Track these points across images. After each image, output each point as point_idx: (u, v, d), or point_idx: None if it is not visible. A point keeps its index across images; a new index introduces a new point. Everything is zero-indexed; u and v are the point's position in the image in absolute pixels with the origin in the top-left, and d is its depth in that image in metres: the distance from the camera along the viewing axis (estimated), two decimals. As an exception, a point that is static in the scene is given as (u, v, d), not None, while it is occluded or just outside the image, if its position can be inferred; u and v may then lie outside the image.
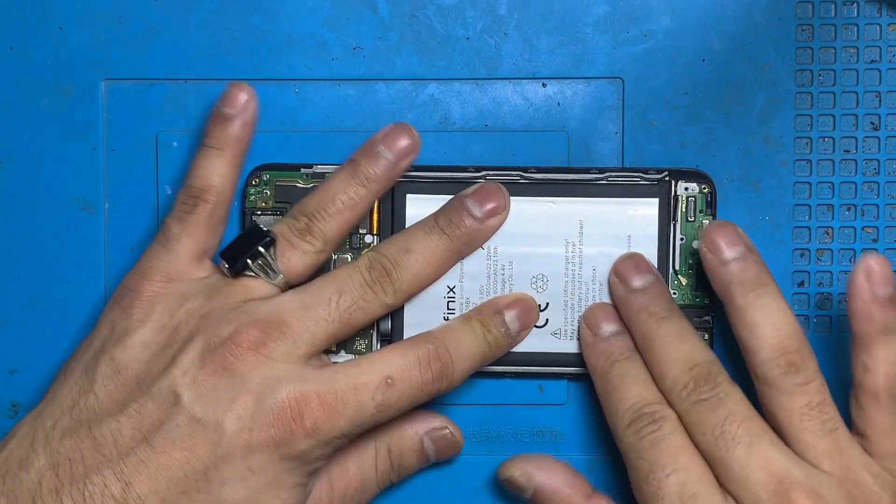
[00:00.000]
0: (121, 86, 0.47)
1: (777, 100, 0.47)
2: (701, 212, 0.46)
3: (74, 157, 0.47)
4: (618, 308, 0.45)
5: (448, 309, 0.46)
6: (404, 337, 0.46)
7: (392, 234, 0.46)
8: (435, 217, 0.45)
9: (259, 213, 0.46)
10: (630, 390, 0.43)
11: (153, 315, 0.43)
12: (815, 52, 0.47)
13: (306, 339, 0.42)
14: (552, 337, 0.46)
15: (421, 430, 0.46)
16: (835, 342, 0.47)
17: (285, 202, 0.46)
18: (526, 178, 0.46)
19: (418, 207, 0.46)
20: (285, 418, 0.41)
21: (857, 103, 0.47)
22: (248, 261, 0.43)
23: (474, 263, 0.46)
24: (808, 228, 0.47)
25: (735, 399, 0.41)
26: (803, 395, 0.41)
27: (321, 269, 0.45)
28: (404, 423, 0.45)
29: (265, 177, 0.46)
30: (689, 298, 0.46)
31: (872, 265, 0.41)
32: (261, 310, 0.42)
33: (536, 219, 0.46)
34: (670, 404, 0.42)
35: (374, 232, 0.46)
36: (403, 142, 0.45)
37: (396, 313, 0.46)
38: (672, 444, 0.41)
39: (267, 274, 0.43)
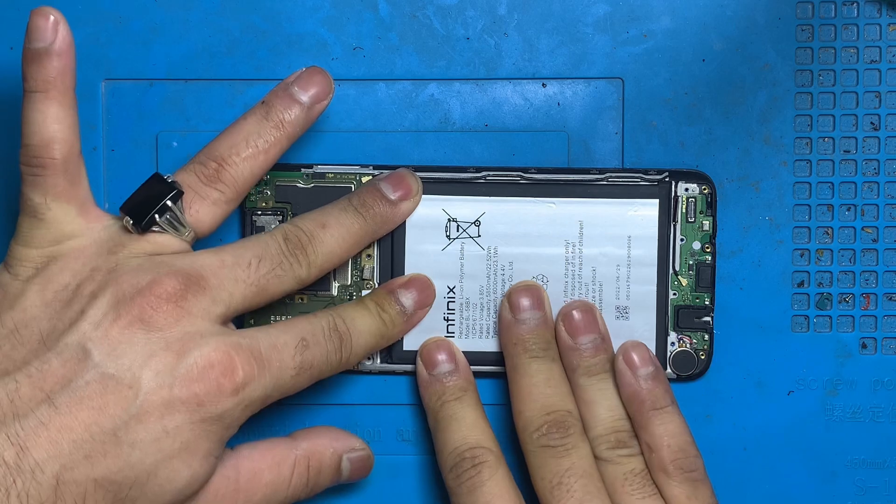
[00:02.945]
0: (121, 86, 0.47)
1: (777, 100, 0.47)
2: (701, 212, 0.46)
3: (74, 158, 0.47)
4: (501, 332, 0.46)
5: (448, 309, 0.46)
6: (404, 338, 0.46)
7: (392, 234, 0.46)
8: (349, 198, 0.44)
9: (259, 213, 0.46)
10: (455, 433, 0.44)
11: (50, 274, 0.40)
12: (815, 52, 0.47)
13: (224, 299, 0.40)
14: (552, 337, 0.46)
15: (342, 449, 0.45)
16: (834, 342, 0.47)
17: (285, 202, 0.46)
18: (526, 179, 0.46)
19: (418, 208, 0.46)
20: (212, 374, 0.39)
21: (857, 103, 0.47)
22: (156, 216, 0.41)
23: (474, 263, 0.46)
24: (808, 228, 0.47)
25: (581, 454, 0.43)
26: (627, 465, 0.43)
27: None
28: (327, 440, 0.44)
29: (265, 177, 0.46)
30: (689, 299, 0.46)
31: (629, 348, 0.44)
32: (178, 263, 0.40)
33: (536, 219, 0.46)
34: (520, 437, 0.44)
35: (375, 232, 0.46)
36: (318, 85, 0.44)
37: (396, 313, 0.46)
38: (488, 492, 0.43)
39: (175, 228, 0.41)
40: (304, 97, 0.44)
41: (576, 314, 0.45)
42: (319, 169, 0.46)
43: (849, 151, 0.47)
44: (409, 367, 0.47)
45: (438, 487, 0.47)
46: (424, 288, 0.46)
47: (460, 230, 0.46)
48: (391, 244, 0.46)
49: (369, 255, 0.46)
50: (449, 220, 0.46)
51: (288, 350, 0.41)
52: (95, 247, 0.41)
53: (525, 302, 0.45)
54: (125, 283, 0.39)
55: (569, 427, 0.43)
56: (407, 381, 0.47)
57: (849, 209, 0.47)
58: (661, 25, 0.47)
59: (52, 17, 0.41)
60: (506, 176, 0.46)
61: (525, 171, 0.46)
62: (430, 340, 0.46)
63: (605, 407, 0.44)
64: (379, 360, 0.47)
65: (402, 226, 0.46)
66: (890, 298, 0.47)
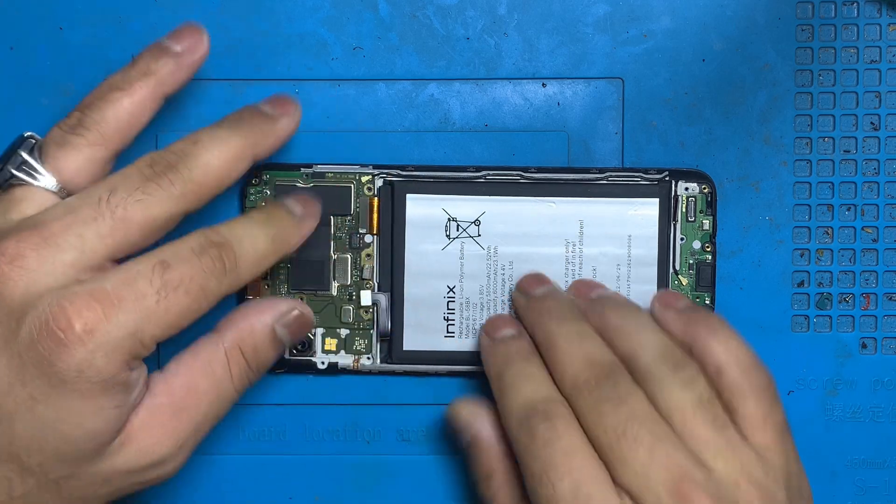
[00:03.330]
0: (121, 86, 0.47)
1: (777, 100, 0.47)
2: (701, 212, 0.46)
3: (74, 157, 0.47)
4: (521, 319, 0.45)
5: (448, 309, 0.46)
6: (404, 338, 0.46)
7: (392, 234, 0.46)
8: (225, 117, 0.42)
9: (259, 212, 0.46)
10: (524, 387, 0.42)
11: None
12: (815, 52, 0.47)
13: (73, 243, 0.38)
14: (552, 337, 0.46)
15: (269, 320, 0.42)
16: (834, 342, 0.47)
17: (285, 202, 0.46)
18: (526, 178, 0.46)
19: (418, 207, 0.46)
20: (50, 330, 0.37)
21: (857, 103, 0.47)
22: (10, 168, 0.40)
23: (474, 263, 0.46)
24: (808, 228, 0.47)
25: (637, 398, 0.40)
26: (694, 390, 0.40)
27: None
28: (250, 316, 0.42)
29: (265, 176, 0.46)
30: (690, 298, 0.46)
31: (661, 293, 0.44)
32: (25, 222, 0.38)
33: (536, 219, 0.46)
34: (570, 402, 0.41)
35: (374, 232, 0.46)
36: (190, 36, 0.42)
37: (396, 313, 0.46)
38: (566, 445, 0.40)
39: (33, 177, 0.40)
40: (176, 46, 0.42)
41: (576, 282, 0.45)
42: (319, 168, 0.46)
43: (849, 151, 0.47)
44: (409, 367, 0.47)
45: (438, 487, 0.47)
46: (308, 198, 0.43)
47: (460, 230, 0.46)
48: (391, 244, 0.46)
49: (369, 255, 0.46)
50: (449, 219, 0.46)
51: (142, 277, 0.38)
52: None
53: (535, 281, 0.45)
54: None
55: (618, 375, 0.41)
56: (407, 382, 0.47)
57: (849, 209, 0.47)
58: (661, 25, 0.47)
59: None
60: (506, 176, 0.46)
61: (525, 170, 0.46)
62: (494, 315, 0.46)
63: (649, 331, 0.42)
64: (379, 360, 0.47)
65: (402, 225, 0.46)
66: (890, 298, 0.47)
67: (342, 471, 0.47)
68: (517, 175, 0.46)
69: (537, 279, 0.45)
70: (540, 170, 0.46)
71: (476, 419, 0.44)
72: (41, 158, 0.40)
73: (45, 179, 0.40)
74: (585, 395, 0.41)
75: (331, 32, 0.47)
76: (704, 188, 0.46)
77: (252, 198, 0.46)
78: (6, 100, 0.47)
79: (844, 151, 0.47)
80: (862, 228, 0.47)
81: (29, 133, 0.41)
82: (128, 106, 0.41)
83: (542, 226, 0.46)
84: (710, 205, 0.46)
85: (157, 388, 0.40)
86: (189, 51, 0.42)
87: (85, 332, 0.37)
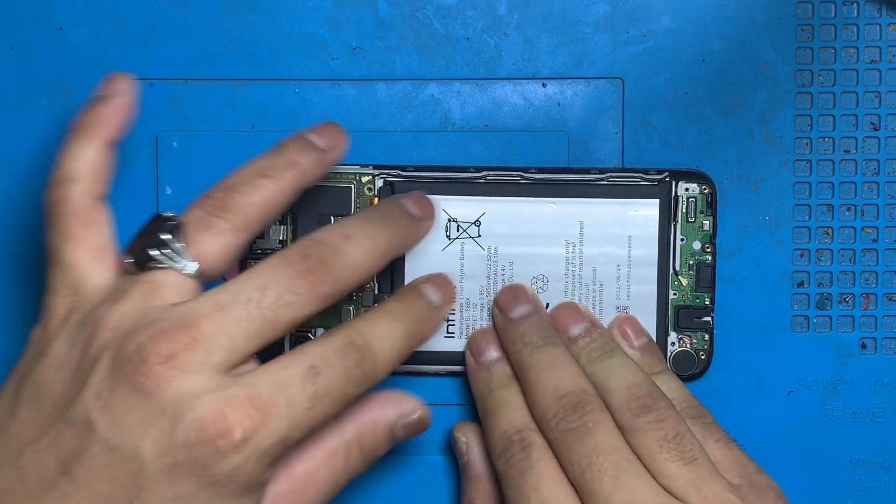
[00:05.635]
0: (121, 86, 0.47)
1: (777, 100, 0.47)
2: (701, 212, 0.46)
3: (74, 158, 0.47)
4: (500, 337, 0.46)
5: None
6: (405, 337, 0.46)
7: (392, 234, 0.46)
8: (372, 210, 0.43)
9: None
10: (503, 417, 0.43)
11: (66, 328, 0.39)
12: (815, 52, 0.47)
13: (223, 345, 0.38)
14: (552, 337, 0.46)
15: (392, 418, 0.43)
16: (834, 342, 0.47)
17: (285, 202, 0.46)
18: (526, 179, 0.46)
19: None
20: (208, 435, 0.37)
21: (857, 103, 0.47)
22: (150, 251, 0.39)
23: (474, 264, 0.46)
24: (808, 228, 0.47)
25: (603, 429, 0.41)
26: (659, 430, 0.41)
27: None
28: (376, 414, 0.42)
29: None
30: (689, 299, 0.46)
31: (622, 322, 0.46)
32: (170, 316, 0.38)
33: (536, 219, 0.46)
34: (543, 432, 0.42)
35: (375, 232, 0.46)
36: (333, 134, 0.42)
37: (397, 313, 0.46)
38: (537, 474, 0.41)
39: (174, 262, 0.39)
40: (320, 142, 0.42)
41: (559, 311, 0.45)
42: (319, 169, 0.46)
43: (849, 151, 0.47)
44: (409, 367, 0.47)
45: (438, 487, 0.47)
46: (444, 282, 0.45)
47: (460, 230, 0.46)
48: (391, 244, 0.46)
49: (369, 255, 0.46)
50: (449, 220, 0.46)
51: (295, 384, 0.38)
52: (101, 296, 0.39)
53: (512, 300, 0.45)
54: (119, 348, 0.38)
55: (585, 405, 0.42)
56: (407, 382, 0.47)
57: (849, 209, 0.47)
58: (661, 25, 0.47)
59: (127, 79, 0.42)
60: (506, 176, 0.46)
61: (525, 171, 0.46)
62: (477, 331, 0.46)
63: (616, 377, 0.43)
64: (379, 360, 0.47)
65: (403, 226, 0.46)
66: (890, 298, 0.47)
67: (342, 471, 0.47)
68: (517, 175, 0.46)
69: (514, 296, 0.45)
70: (540, 170, 0.46)
71: (470, 449, 0.46)
72: (182, 240, 0.39)
73: (188, 265, 0.39)
74: (553, 426, 0.42)
75: (331, 32, 0.47)
76: (704, 188, 0.46)
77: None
78: (6, 100, 0.47)
79: (844, 151, 0.47)
80: (862, 228, 0.47)
81: (167, 213, 0.40)
82: (273, 194, 0.40)
83: (543, 226, 0.46)
84: (711, 205, 0.46)
85: (280, 476, 0.41)
86: (331, 148, 0.42)
87: (241, 440, 0.37)
